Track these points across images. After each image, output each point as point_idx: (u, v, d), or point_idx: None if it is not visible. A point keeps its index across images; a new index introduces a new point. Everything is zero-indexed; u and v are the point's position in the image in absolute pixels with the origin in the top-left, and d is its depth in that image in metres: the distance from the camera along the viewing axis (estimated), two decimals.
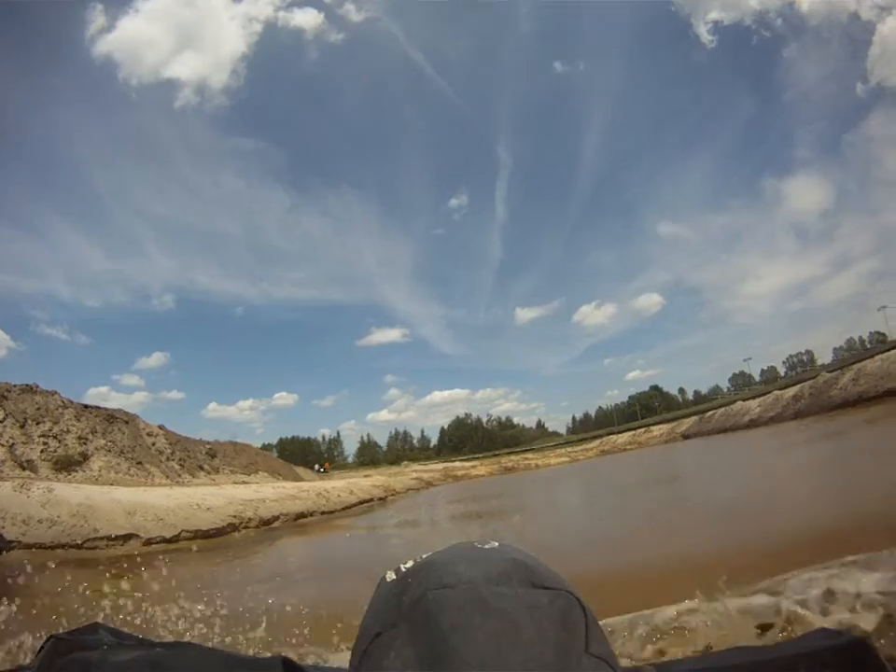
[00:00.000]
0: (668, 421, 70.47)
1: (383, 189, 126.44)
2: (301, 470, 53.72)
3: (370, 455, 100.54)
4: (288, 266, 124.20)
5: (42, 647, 0.77)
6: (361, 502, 25.68)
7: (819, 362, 72.48)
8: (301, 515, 19.79)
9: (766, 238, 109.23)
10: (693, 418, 64.91)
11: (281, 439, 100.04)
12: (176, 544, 14.22)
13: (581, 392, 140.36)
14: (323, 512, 21.38)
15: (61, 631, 0.84)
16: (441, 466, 60.21)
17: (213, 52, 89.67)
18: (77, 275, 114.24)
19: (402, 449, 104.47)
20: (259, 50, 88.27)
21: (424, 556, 0.63)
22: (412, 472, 52.64)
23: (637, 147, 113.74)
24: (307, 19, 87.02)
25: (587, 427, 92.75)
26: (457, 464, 62.89)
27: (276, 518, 18.37)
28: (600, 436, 75.96)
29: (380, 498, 28.69)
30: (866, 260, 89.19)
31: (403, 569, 0.62)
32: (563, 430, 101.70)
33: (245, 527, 16.60)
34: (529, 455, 68.07)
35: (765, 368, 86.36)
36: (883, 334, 64.53)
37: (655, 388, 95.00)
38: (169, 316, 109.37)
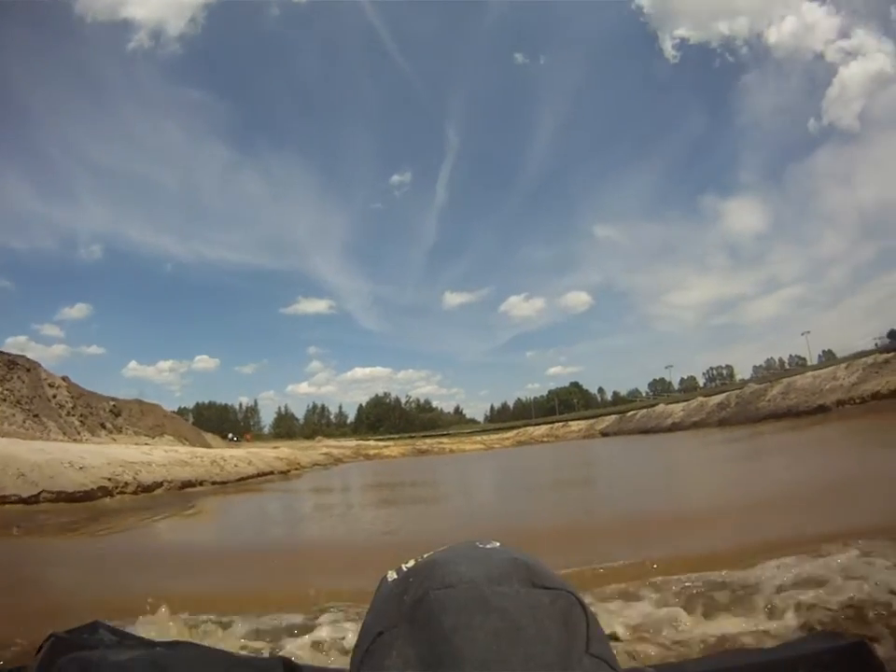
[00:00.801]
0: (587, 418, 72.27)
1: (326, 157, 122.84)
2: (210, 437, 51.94)
3: (286, 428, 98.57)
4: (221, 226, 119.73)
5: (42, 646, 0.77)
6: (260, 474, 24.60)
7: (739, 377, 76.13)
8: (189, 484, 18.58)
9: (699, 253, 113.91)
10: (613, 416, 66.70)
11: (198, 404, 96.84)
12: (35, 506, 12.94)
13: (501, 382, 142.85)
14: (215, 482, 20.21)
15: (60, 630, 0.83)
16: (353, 443, 59.54)
17: None
18: (4, 214, 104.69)
19: (319, 424, 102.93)
20: (221, 0, 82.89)
21: (425, 556, 0.63)
22: (322, 447, 51.66)
23: (585, 147, 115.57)
24: None
25: (505, 417, 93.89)
26: (371, 443, 62.38)
27: (159, 485, 17.10)
28: (517, 427, 77.13)
29: (282, 472, 27.67)
30: (793, 287, 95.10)
31: (404, 569, 0.63)
32: (480, 418, 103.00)
33: (121, 492, 15.28)
34: (445, 440, 68.26)
35: (685, 377, 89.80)
36: (804, 358, 68.57)
37: (575, 385, 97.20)
38: (96, 267, 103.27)
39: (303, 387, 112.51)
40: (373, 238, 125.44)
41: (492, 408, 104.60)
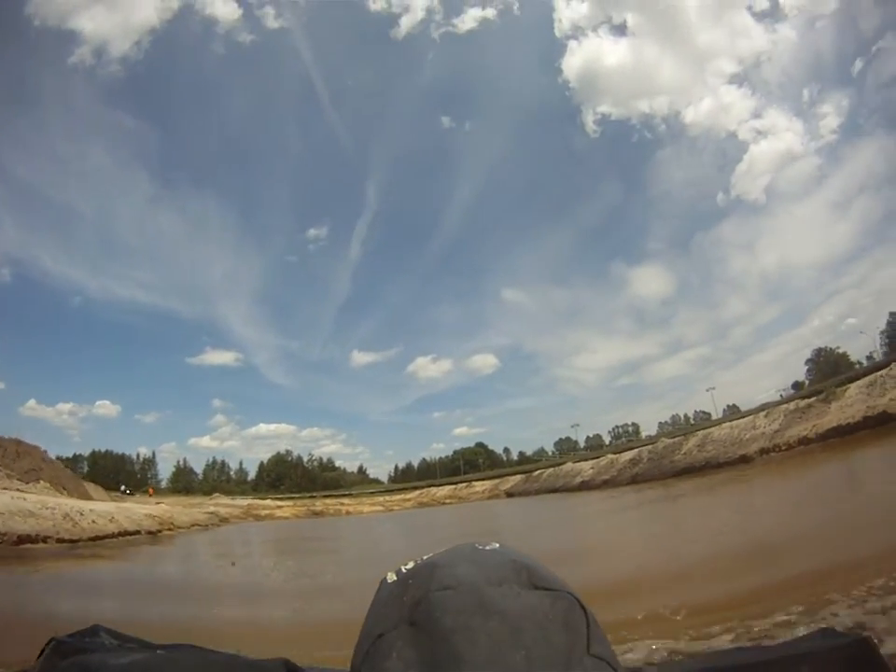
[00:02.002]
0: (492, 478, 72.31)
1: (246, 204, 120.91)
2: (93, 488, 48.97)
3: (184, 482, 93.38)
4: (134, 263, 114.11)
5: (43, 650, 0.77)
6: (122, 534, 23.04)
7: (645, 434, 78.09)
8: (28, 539, 17.25)
9: (606, 317, 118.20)
10: (519, 476, 66.54)
11: (94, 451, 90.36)
12: None
13: (407, 442, 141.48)
14: (62, 540, 18.86)
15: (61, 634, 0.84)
16: (246, 502, 57.17)
17: (124, 15, 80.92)
18: None
19: (219, 479, 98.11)
20: (168, 29, 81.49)
21: (424, 557, 0.63)
22: (211, 506, 49.21)
23: (500, 213, 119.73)
24: (225, 10, 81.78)
25: (409, 478, 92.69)
26: (265, 502, 60.11)
27: None
28: (421, 487, 76.47)
29: (150, 532, 25.97)
30: (697, 347, 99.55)
31: (404, 570, 0.63)
32: (385, 478, 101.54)
33: None
34: (346, 501, 66.73)
35: (591, 435, 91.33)
36: (708, 413, 71.16)
37: (481, 445, 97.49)
38: (2, 293, 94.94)
39: (206, 441, 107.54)
40: (285, 290, 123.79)
41: (396, 468, 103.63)
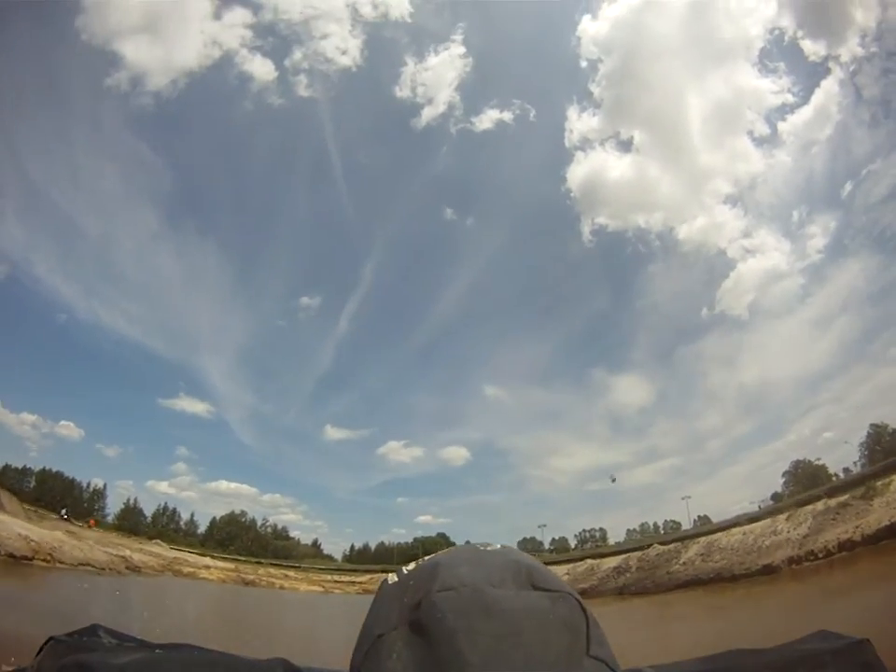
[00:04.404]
0: None
1: (245, 261, 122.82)
2: (7, 498, 45.33)
3: (131, 522, 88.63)
4: (127, 292, 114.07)
5: (41, 649, 0.78)
6: None
7: (613, 541, 75.71)
8: None
9: (582, 421, 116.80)
10: None
11: (43, 469, 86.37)
12: None
13: (367, 522, 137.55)
14: None
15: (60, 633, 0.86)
16: (172, 554, 52.28)
17: (166, 51, 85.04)
18: None
19: (167, 527, 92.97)
20: (205, 75, 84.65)
21: (426, 558, 0.65)
22: (127, 549, 44.47)
23: (490, 309, 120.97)
24: (262, 69, 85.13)
25: (365, 559, 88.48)
26: (195, 558, 55.14)
27: None
28: (374, 571, 71.04)
29: (14, 557, 22.04)
30: (671, 457, 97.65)
31: (405, 571, 0.64)
32: (339, 555, 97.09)
33: None
34: (291, 573, 62.19)
35: (556, 537, 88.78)
36: (679, 522, 68.37)
37: (442, 536, 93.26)
38: None
39: (163, 486, 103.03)
40: (269, 352, 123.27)
41: (352, 547, 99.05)
